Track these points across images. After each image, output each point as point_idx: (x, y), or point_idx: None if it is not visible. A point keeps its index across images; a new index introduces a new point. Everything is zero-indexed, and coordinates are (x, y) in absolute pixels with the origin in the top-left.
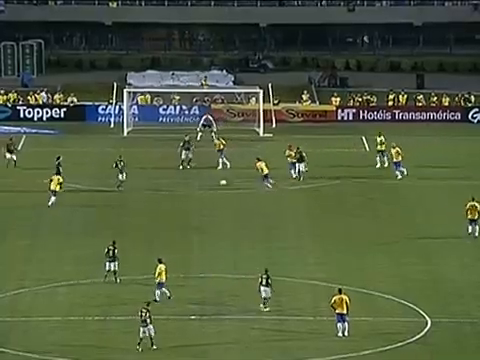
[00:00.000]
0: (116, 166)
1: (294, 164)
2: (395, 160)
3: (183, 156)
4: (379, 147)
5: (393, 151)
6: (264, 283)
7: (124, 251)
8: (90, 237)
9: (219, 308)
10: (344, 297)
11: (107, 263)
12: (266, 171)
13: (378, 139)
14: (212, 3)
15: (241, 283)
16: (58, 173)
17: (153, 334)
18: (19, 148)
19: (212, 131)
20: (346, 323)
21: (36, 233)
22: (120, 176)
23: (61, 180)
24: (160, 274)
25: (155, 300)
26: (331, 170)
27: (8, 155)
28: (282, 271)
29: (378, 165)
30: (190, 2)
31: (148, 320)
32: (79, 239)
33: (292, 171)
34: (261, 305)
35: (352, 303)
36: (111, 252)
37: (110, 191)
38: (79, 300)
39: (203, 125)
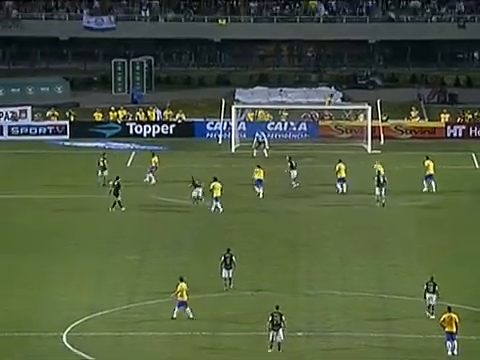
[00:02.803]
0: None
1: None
2: (427, 173)
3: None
4: (428, 171)
5: (428, 163)
6: (431, 290)
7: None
8: (198, 252)
9: (327, 325)
10: (453, 315)
11: (224, 271)
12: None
13: (425, 163)
14: (321, 19)
15: (350, 300)
16: (116, 194)
17: (281, 339)
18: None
19: (265, 148)
20: (455, 342)
21: (145, 247)
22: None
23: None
24: (181, 292)
25: (172, 317)
26: (440, 187)
27: (100, 173)
28: (391, 288)
29: (425, 189)
30: (299, 18)
31: (282, 324)
32: (187, 254)
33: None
34: (426, 312)
35: (462, 321)
36: (228, 259)
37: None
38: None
39: (258, 142)
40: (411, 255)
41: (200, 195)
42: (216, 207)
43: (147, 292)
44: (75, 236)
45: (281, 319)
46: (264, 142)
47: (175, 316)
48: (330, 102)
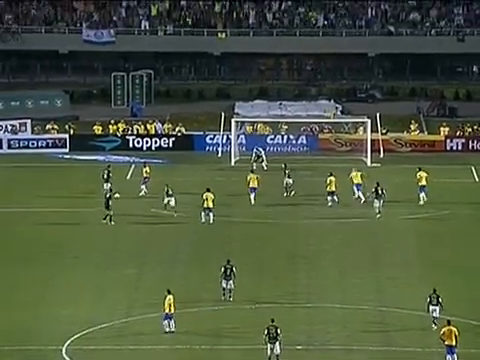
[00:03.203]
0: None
1: (358, 186)
2: (420, 184)
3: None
4: (420, 182)
5: (421, 174)
6: (434, 302)
7: None
8: (197, 265)
9: (326, 338)
10: (453, 329)
11: (223, 281)
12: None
13: (418, 174)
14: (320, 33)
15: (349, 313)
16: (107, 207)
17: (278, 352)
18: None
19: (262, 162)
20: (455, 355)
21: (143, 261)
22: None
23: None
24: (169, 305)
25: (165, 332)
26: (440, 200)
27: (105, 185)
28: (390, 301)
29: (421, 202)
30: (298, 32)
31: (278, 337)
32: (186, 267)
33: (358, 192)
34: (433, 325)
35: (461, 335)
36: (228, 271)
37: (217, 221)
38: (185, 328)
39: (257, 156)
40: (410, 268)
41: (172, 203)
42: (208, 217)
43: (145, 305)
44: (74, 249)
45: (276, 332)
46: (262, 157)
47: (173, 329)
48: (335, 115)
